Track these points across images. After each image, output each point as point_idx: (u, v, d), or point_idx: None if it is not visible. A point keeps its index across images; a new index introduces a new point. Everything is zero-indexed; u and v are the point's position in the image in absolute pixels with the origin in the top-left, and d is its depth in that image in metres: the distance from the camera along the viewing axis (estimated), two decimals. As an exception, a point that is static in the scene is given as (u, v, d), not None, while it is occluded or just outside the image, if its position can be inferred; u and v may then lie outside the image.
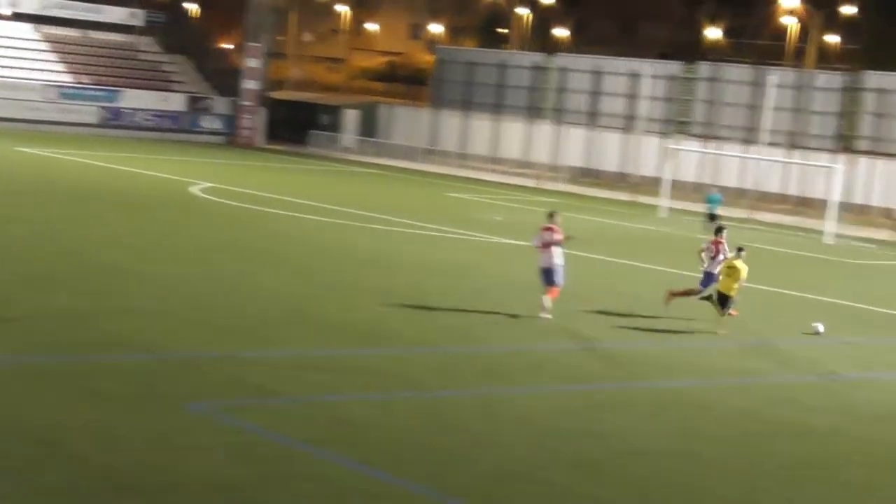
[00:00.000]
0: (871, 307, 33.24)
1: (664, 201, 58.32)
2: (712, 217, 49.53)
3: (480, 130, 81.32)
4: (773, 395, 21.17)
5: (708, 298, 27.31)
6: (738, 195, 69.82)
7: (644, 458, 16.69)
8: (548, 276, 25.99)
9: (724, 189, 70.78)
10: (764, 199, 66.37)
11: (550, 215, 26.65)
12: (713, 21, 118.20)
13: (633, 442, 17.40)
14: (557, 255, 26.00)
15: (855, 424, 19.63)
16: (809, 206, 66.17)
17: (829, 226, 52.94)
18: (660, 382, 21.34)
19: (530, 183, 71.49)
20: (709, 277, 27.51)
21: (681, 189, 70.54)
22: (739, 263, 26.53)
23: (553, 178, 73.00)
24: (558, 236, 26.02)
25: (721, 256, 27.53)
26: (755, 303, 31.79)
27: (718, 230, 28.34)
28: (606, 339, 24.65)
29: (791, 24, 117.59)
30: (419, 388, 19.29)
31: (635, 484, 15.53)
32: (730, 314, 26.79)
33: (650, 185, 70.35)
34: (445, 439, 16.57)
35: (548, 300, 25.81)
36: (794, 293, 34.58)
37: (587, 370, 21.79)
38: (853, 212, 63.51)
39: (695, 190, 71.58)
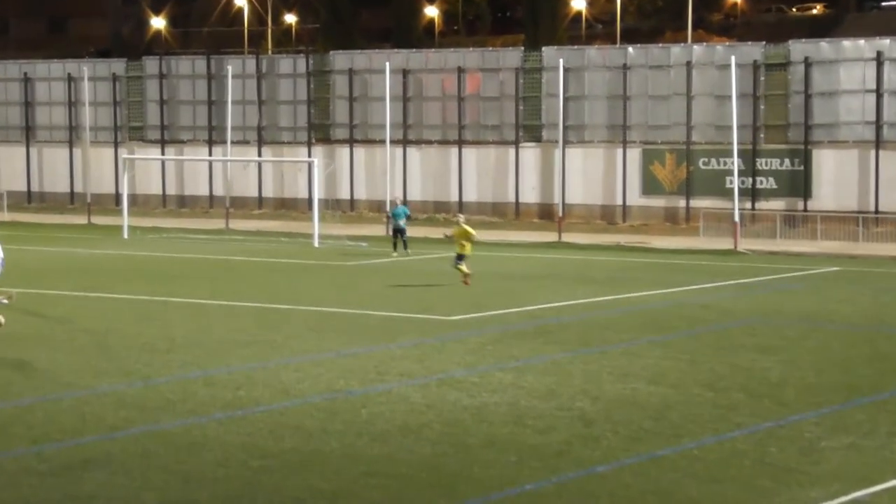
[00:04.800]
0: (368, 311, 34.21)
1: (125, 220, 57.66)
2: (399, 232, 49.05)
3: None
4: (274, 423, 21.30)
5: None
6: (209, 204, 70.22)
7: (134, 517, 16.43)
8: None
9: (193, 198, 71.21)
10: (241, 206, 66.97)
11: None
12: (155, 11, 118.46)
13: (121, 500, 17.05)
14: None
15: (369, 444, 20.02)
16: (292, 206, 67.41)
17: (316, 227, 54.06)
18: (144, 427, 21.03)
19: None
20: None
21: (144, 204, 70.18)
22: (467, 227, 39.00)
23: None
24: None
25: None
26: (243, 323, 32.03)
27: None
28: (78, 388, 24.15)
29: (242, 4, 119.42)
30: None
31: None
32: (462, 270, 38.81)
33: (109, 202, 69.53)
34: None
35: None
36: (287, 307, 35.08)
37: (56, 426, 21.21)
38: (341, 208, 65.15)
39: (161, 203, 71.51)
